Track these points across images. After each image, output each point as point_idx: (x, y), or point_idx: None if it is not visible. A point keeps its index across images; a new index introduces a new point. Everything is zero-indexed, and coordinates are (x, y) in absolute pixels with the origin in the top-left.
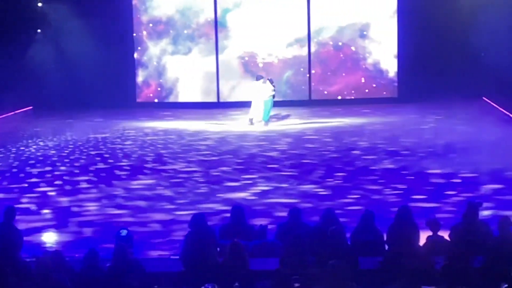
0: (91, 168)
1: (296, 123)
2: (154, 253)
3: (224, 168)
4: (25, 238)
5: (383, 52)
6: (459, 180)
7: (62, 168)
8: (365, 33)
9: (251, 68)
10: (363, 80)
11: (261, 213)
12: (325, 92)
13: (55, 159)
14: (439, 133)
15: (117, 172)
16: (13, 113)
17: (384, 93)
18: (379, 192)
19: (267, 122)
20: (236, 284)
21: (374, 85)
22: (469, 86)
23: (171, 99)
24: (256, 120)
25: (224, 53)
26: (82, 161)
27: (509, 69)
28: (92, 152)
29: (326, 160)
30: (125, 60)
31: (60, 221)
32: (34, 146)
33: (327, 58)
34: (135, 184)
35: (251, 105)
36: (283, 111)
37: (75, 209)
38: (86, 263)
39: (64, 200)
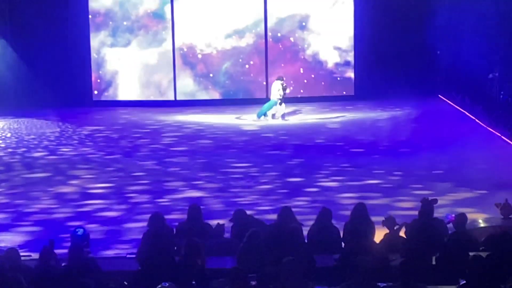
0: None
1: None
2: (111, 252)
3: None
4: None
5: (322, 43)
6: (414, 177)
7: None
8: (304, 24)
9: (190, 60)
10: (301, 71)
11: (218, 212)
12: (264, 83)
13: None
14: (394, 131)
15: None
16: None
17: (323, 83)
18: (335, 189)
19: (259, 118)
20: (193, 282)
21: (312, 76)
22: (425, 84)
23: (110, 91)
24: (278, 115)
25: (162, 45)
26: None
27: (463, 67)
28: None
29: (283, 158)
30: (80, 58)
31: (14, 220)
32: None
33: (266, 49)
34: (92, 184)
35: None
36: (243, 107)
37: (30, 208)
38: (41, 262)
39: (18, 199)
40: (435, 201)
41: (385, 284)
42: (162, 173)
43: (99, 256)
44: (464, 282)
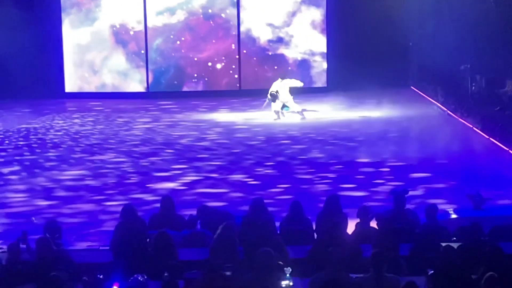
0: (17, 158)
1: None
2: (83, 244)
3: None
4: None
5: (255, 19)
6: (387, 169)
7: None
8: (235, 0)
9: (122, 37)
10: (233, 47)
11: (190, 204)
12: (195, 59)
13: None
14: (367, 122)
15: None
16: None
17: (255, 58)
18: (309, 181)
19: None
20: (166, 274)
21: (244, 51)
22: (397, 75)
23: None
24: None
25: (95, 24)
26: (10, 151)
27: (436, 58)
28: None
29: (256, 150)
30: (51, 47)
31: None
32: None
33: (196, 26)
34: (64, 174)
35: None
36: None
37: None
38: (10, 255)
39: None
40: (406, 191)
41: (357, 275)
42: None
43: (71, 248)
44: (432, 272)
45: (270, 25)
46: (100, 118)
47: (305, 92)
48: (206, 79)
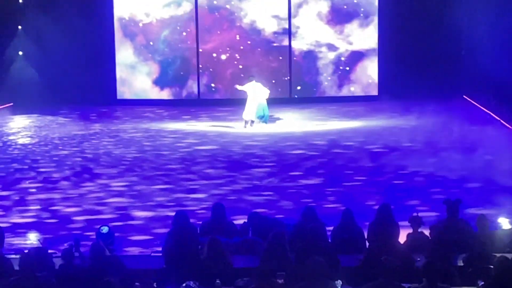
0: (75, 167)
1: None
2: (136, 250)
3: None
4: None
5: (259, 11)
6: (440, 179)
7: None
8: None
9: (131, 29)
10: (238, 38)
11: (241, 211)
12: (200, 50)
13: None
14: (419, 132)
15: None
16: None
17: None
18: (360, 189)
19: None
20: (218, 281)
21: (248, 42)
22: (450, 85)
23: None
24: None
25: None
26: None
27: (489, 67)
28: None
29: (307, 158)
30: (104, 56)
31: (40, 218)
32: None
33: (201, 17)
34: (117, 181)
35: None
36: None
37: (56, 207)
38: (64, 261)
39: (43, 196)
40: (460, 201)
41: (409, 285)
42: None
43: (124, 254)
44: (483, 283)
45: (275, 16)
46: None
47: (357, 100)
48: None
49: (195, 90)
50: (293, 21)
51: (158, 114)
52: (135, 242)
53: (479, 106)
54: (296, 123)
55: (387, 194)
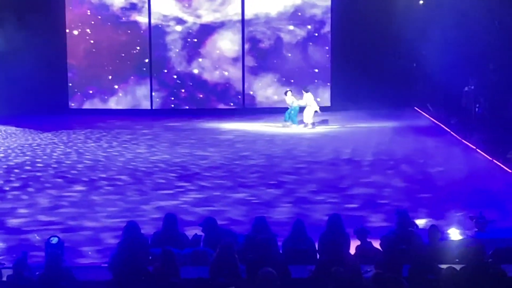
0: (23, 175)
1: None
2: (85, 261)
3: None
4: None
5: None
6: (390, 189)
7: None
8: None
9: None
10: (88, 13)
11: (193, 222)
12: None
13: None
14: (372, 143)
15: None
16: None
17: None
18: (312, 201)
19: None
20: None
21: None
22: (401, 96)
23: None
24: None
25: None
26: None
27: (439, 79)
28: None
29: (262, 168)
30: (56, 62)
31: None
32: None
33: None
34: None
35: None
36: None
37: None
38: (14, 273)
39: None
40: (407, 212)
41: None
42: None
43: (73, 265)
44: None
45: None
46: None
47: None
48: None
49: None
50: None
51: None
52: (85, 253)
53: (429, 117)
54: None
55: (339, 205)
